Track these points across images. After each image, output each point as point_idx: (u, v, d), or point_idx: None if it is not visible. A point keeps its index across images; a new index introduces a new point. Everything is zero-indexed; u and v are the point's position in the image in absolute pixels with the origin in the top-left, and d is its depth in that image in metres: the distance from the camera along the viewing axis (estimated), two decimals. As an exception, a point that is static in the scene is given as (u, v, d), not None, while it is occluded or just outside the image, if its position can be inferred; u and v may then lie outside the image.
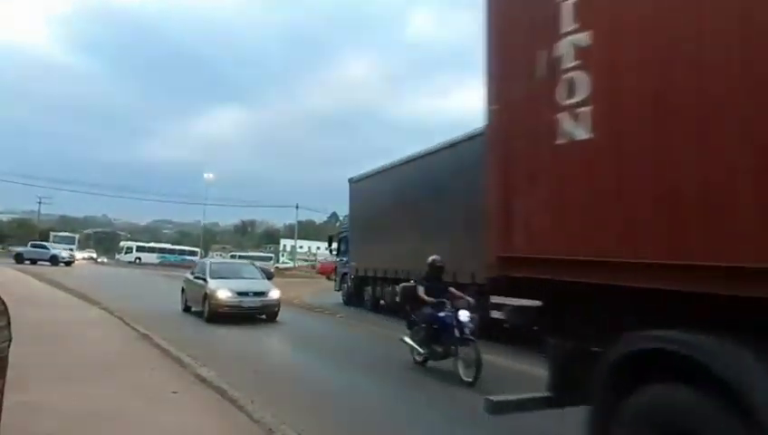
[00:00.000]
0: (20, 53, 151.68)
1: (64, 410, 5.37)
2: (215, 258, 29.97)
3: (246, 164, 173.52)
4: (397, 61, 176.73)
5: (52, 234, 51.44)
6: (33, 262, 40.47)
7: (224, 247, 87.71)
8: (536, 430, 5.13)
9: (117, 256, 63.96)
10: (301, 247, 75.46)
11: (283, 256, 76.64)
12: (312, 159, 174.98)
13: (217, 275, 14.88)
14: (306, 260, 67.29)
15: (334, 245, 24.68)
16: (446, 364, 8.42)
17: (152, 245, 66.61)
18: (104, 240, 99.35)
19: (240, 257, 58.20)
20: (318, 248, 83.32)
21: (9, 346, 8.80)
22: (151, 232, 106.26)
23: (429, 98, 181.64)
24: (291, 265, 60.41)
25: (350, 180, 20.81)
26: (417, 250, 12.20)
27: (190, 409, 5.85)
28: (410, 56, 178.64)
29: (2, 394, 5.80)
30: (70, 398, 5.81)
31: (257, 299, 14.36)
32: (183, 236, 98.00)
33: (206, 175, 75.17)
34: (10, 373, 6.82)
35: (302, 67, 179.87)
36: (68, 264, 43.61)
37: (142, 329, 11.04)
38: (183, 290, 16.72)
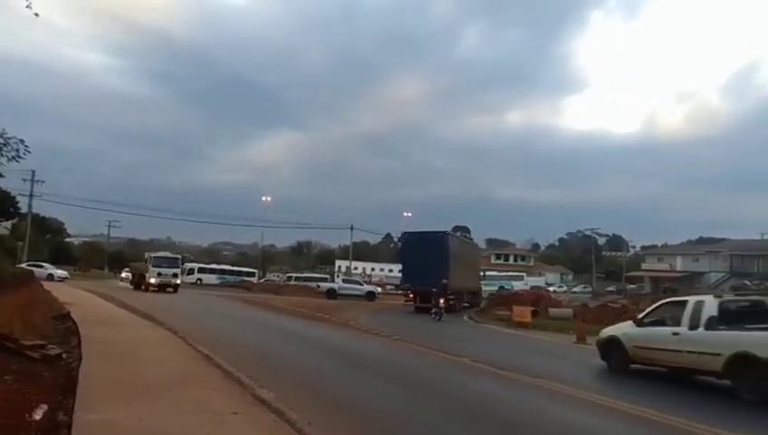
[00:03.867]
0: (90, 85, 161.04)
1: (128, 429, 5.49)
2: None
3: (301, 186, 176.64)
4: (446, 80, 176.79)
5: (148, 255, 41.94)
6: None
7: (281, 268, 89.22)
8: None
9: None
10: (356, 268, 75.91)
11: (337, 276, 77.26)
12: (364, 181, 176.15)
13: None
14: (359, 281, 67.49)
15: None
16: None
17: (212, 266, 67.94)
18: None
19: (296, 279, 59.22)
20: (372, 269, 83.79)
21: (79, 365, 9.14)
22: (212, 253, 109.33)
23: (479, 116, 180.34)
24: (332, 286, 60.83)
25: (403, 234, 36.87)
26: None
27: (249, 430, 5.87)
28: (460, 75, 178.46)
29: (72, 412, 6.02)
30: (134, 417, 5.94)
31: None
32: (242, 257, 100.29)
33: (263, 198, 77.32)
34: (79, 391, 7.08)
35: (353, 89, 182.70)
36: (175, 289, 38.98)
37: (204, 349, 11.28)
38: None
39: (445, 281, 29.02)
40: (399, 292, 37.98)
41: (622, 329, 13.15)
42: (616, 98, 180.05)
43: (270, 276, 76.92)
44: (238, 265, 73.00)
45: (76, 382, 7.45)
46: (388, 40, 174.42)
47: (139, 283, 41.08)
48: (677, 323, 11.22)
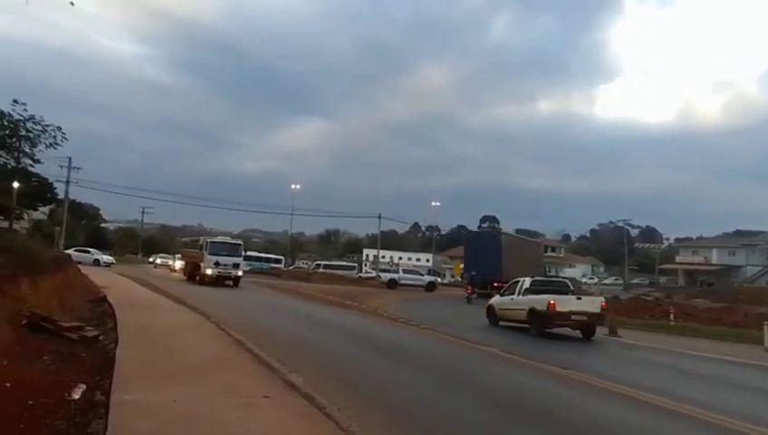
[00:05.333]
0: (122, 74, 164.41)
1: (163, 411, 5.60)
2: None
3: (329, 174, 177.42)
4: (475, 67, 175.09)
5: (204, 240, 34.67)
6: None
7: (309, 256, 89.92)
8: None
9: None
10: (383, 257, 76.05)
11: (365, 265, 77.47)
12: (392, 169, 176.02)
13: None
14: (388, 270, 67.62)
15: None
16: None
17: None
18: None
19: (324, 266, 59.50)
20: (399, 258, 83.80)
21: (116, 348, 9.35)
22: (242, 240, 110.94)
23: (508, 104, 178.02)
24: (373, 274, 60.91)
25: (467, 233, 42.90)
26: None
27: (280, 414, 5.93)
28: (489, 62, 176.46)
29: (109, 392, 6.17)
30: (169, 399, 6.06)
31: None
32: (271, 244, 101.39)
33: (292, 186, 77.78)
34: (116, 374, 7.24)
35: (382, 77, 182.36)
36: (236, 282, 32.45)
37: (236, 334, 11.45)
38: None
39: (473, 273, 35.77)
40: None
41: (495, 299, 19.94)
42: (650, 87, 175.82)
43: (299, 264, 77.55)
44: (268, 253, 73.69)
45: (113, 364, 7.63)
46: (417, 27, 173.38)
47: (192, 273, 34.72)
48: (513, 293, 18.56)
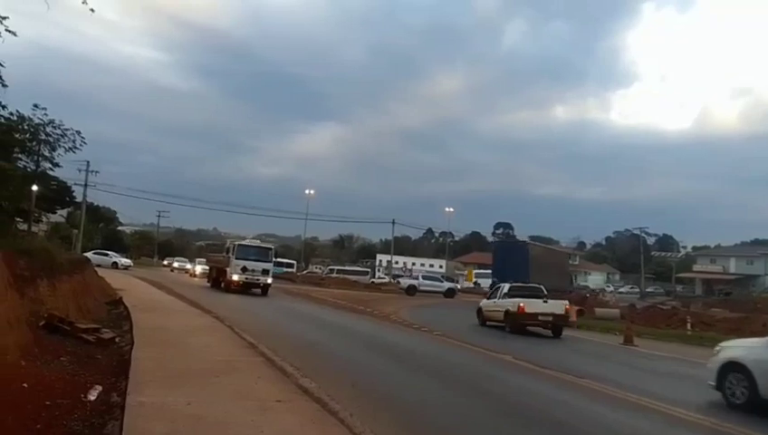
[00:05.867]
0: (139, 79, 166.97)
1: (177, 413, 5.63)
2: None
3: (344, 179, 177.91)
4: (489, 74, 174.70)
5: (231, 243, 32.26)
6: None
7: (323, 261, 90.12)
8: None
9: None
10: (396, 263, 75.97)
11: (379, 270, 77.42)
12: (406, 175, 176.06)
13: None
14: (401, 275, 67.43)
15: None
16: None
17: None
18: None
19: (338, 271, 59.50)
20: (413, 264, 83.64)
21: (131, 349, 9.41)
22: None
23: (523, 111, 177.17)
24: (386, 280, 60.85)
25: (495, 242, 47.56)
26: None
27: (292, 418, 5.94)
28: (502, 68, 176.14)
29: (125, 393, 6.23)
30: (183, 401, 6.10)
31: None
32: (285, 249, 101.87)
33: (306, 191, 78.07)
34: (132, 375, 7.30)
35: (396, 83, 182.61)
36: (264, 290, 29.44)
37: (249, 338, 11.50)
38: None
39: (494, 279, 36.30)
40: None
41: (483, 302, 22.53)
42: (667, 93, 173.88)
43: (312, 268, 77.67)
44: (283, 257, 74.07)
45: (128, 366, 7.70)
46: (431, 34, 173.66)
47: (217, 279, 32.12)
48: (496, 296, 21.31)
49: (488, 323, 21.20)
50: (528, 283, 35.17)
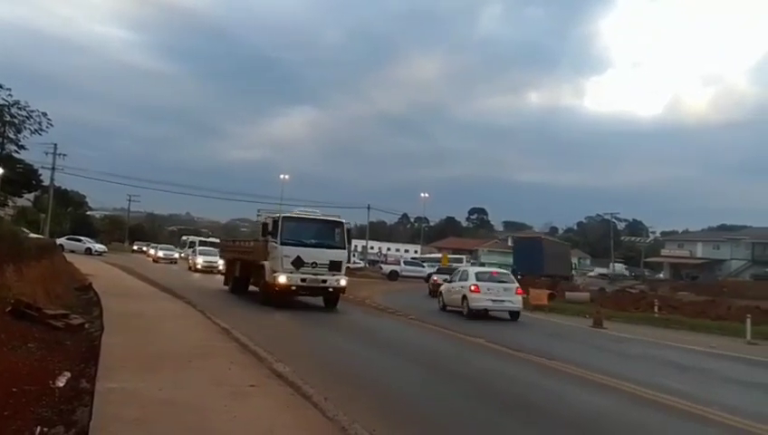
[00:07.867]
0: (110, 59, 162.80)
1: (148, 399, 5.58)
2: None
3: (320, 164, 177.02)
4: (465, 59, 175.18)
5: (269, 216, 18.25)
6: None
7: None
8: None
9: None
10: (371, 248, 76.06)
11: (353, 256, 77.39)
12: (382, 160, 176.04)
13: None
14: (376, 261, 67.50)
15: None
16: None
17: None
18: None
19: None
20: (388, 249, 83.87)
21: (101, 335, 9.28)
22: (230, 230, 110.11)
23: (499, 96, 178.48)
24: (362, 265, 60.87)
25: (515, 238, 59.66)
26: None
27: (266, 402, 5.95)
28: (479, 54, 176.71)
29: (94, 380, 6.15)
30: (155, 386, 6.04)
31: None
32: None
33: (281, 176, 77.31)
34: (101, 360, 7.21)
35: (372, 67, 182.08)
36: (334, 299, 17.99)
37: (222, 323, 11.44)
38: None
39: (514, 268, 38.73)
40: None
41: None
42: (639, 80, 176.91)
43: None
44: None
45: (98, 352, 7.59)
46: (408, 18, 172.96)
47: (244, 279, 20.64)
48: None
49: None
50: (543, 270, 40.88)
